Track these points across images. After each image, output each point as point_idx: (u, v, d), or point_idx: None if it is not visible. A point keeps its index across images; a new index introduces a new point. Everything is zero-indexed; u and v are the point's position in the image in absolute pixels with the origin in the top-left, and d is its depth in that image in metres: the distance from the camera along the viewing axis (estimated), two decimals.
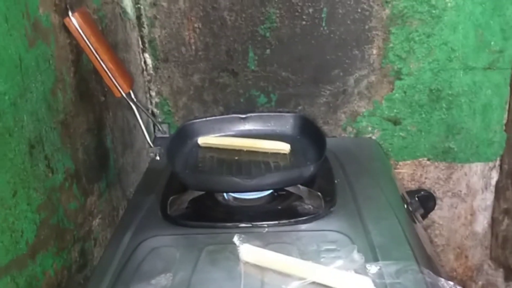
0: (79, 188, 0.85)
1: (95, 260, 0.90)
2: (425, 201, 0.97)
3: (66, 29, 0.83)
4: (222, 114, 1.31)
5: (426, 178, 1.36)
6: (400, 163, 1.35)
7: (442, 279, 0.70)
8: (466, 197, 1.38)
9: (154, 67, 1.28)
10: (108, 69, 0.86)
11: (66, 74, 0.83)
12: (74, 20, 0.82)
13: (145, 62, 1.27)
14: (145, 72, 1.28)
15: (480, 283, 1.49)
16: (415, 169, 1.36)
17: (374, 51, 1.24)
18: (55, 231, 0.76)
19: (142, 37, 1.24)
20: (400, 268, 0.71)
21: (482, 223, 1.41)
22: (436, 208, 1.39)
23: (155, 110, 1.32)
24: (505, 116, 1.29)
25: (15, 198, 0.66)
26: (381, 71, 1.25)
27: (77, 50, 0.87)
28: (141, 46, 1.25)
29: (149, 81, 1.29)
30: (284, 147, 0.98)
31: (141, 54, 1.26)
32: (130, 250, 0.80)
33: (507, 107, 1.28)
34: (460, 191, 1.37)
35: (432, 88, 1.26)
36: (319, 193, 0.86)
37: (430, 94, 1.27)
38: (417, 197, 0.96)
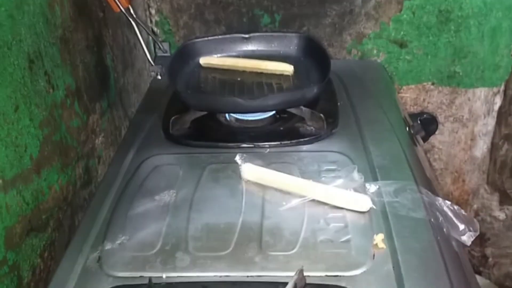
0: (80, 106, 0.85)
1: (99, 177, 0.91)
2: (427, 124, 0.97)
3: None
4: (225, 34, 1.28)
5: (429, 102, 1.35)
6: (404, 87, 1.34)
7: (440, 199, 0.72)
8: (467, 122, 1.38)
9: None
10: None
11: None
12: None
13: None
14: None
15: (475, 206, 1.52)
16: (419, 94, 1.34)
17: None
18: (58, 148, 0.76)
19: None
20: (398, 187, 0.72)
21: (481, 148, 1.42)
22: (436, 133, 1.40)
23: (155, 29, 1.28)
24: None
25: (17, 113, 0.65)
26: None
27: None
28: None
29: None
30: (287, 68, 0.96)
31: None
32: (133, 167, 0.81)
33: None
34: (462, 116, 1.37)
35: (441, 9, 1.22)
36: (321, 115, 0.86)
37: (439, 15, 1.23)
38: (420, 120, 0.96)
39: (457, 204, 1.53)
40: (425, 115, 0.98)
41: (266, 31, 1.24)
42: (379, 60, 1.29)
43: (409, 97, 1.35)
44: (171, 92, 0.97)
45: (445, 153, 1.44)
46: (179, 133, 0.87)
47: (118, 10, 0.85)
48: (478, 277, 1.48)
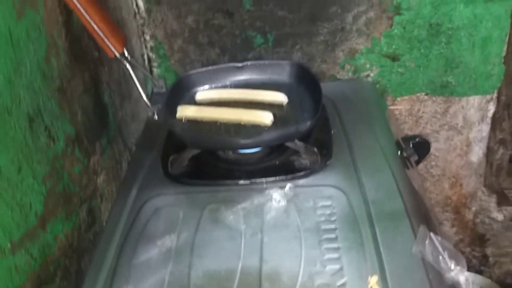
0: (81, 150, 0.87)
1: (103, 215, 0.94)
2: (420, 147, 0.99)
3: None
4: (219, 56, 1.30)
5: (423, 112, 1.38)
6: (398, 98, 1.36)
7: (431, 233, 0.74)
8: (462, 129, 1.40)
9: (147, 10, 1.24)
10: (100, 30, 0.84)
11: (57, 37, 0.82)
12: None
13: (137, 5, 1.24)
14: (137, 16, 1.25)
15: (473, 208, 1.55)
16: (413, 104, 1.37)
17: None
18: (62, 198, 0.79)
19: None
20: (392, 225, 0.75)
21: (477, 153, 1.45)
22: (432, 140, 1.42)
23: (150, 54, 1.30)
24: (505, 48, 1.27)
25: (20, 174, 0.68)
26: (380, 6, 1.22)
27: (67, 10, 0.84)
28: None
29: (142, 25, 1.26)
30: (281, 98, 0.98)
31: None
32: (135, 211, 0.83)
33: (507, 39, 1.26)
34: (457, 123, 1.39)
35: (432, 22, 1.23)
36: (315, 149, 0.88)
37: (429, 28, 1.24)
38: (412, 143, 0.98)
39: (455, 207, 1.57)
40: (417, 139, 1.00)
41: (259, 52, 1.27)
42: (372, 74, 1.31)
43: (404, 108, 1.38)
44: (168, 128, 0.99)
45: (441, 160, 1.46)
46: (178, 172, 0.90)
47: (113, 55, 0.87)
48: (479, 276, 1.52)
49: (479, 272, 1.63)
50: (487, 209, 1.55)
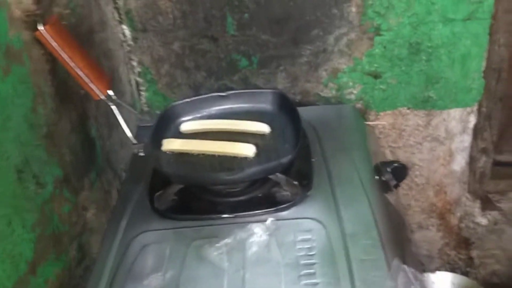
0: (69, 190, 0.90)
1: (93, 248, 0.97)
2: (397, 172, 1.03)
3: (38, 41, 0.83)
4: (205, 79, 1.34)
5: (406, 125, 1.41)
6: (381, 113, 1.39)
7: (405, 266, 0.78)
8: (444, 140, 1.44)
9: (133, 37, 1.27)
10: (85, 75, 0.87)
11: (44, 85, 0.84)
12: (45, 33, 0.82)
13: (123, 33, 1.26)
14: (124, 44, 1.27)
15: (458, 214, 1.59)
16: (396, 118, 1.40)
17: (353, 9, 1.23)
18: (51, 240, 0.82)
19: (118, 9, 1.23)
20: (367, 258, 0.78)
21: (460, 162, 1.49)
22: (416, 151, 1.46)
23: (138, 79, 1.33)
24: (484, 64, 1.30)
25: (10, 227, 0.71)
26: (360, 28, 1.25)
27: (52, 58, 0.86)
28: (117, 18, 1.24)
29: (129, 52, 1.29)
30: (263, 129, 1.01)
31: (119, 26, 1.25)
32: (122, 249, 0.86)
33: (485, 55, 1.29)
34: (439, 135, 1.43)
35: (411, 41, 1.27)
36: (295, 182, 0.92)
37: (409, 47, 1.28)
38: (390, 169, 1.02)
39: (440, 214, 1.61)
40: (395, 164, 1.04)
41: (245, 74, 1.30)
42: (355, 91, 1.34)
43: (387, 122, 1.41)
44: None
45: (425, 170, 1.50)
46: (164, 207, 0.93)
47: (98, 98, 0.90)
48: (464, 278, 1.57)
49: (465, 273, 1.68)
50: (471, 214, 1.59)
